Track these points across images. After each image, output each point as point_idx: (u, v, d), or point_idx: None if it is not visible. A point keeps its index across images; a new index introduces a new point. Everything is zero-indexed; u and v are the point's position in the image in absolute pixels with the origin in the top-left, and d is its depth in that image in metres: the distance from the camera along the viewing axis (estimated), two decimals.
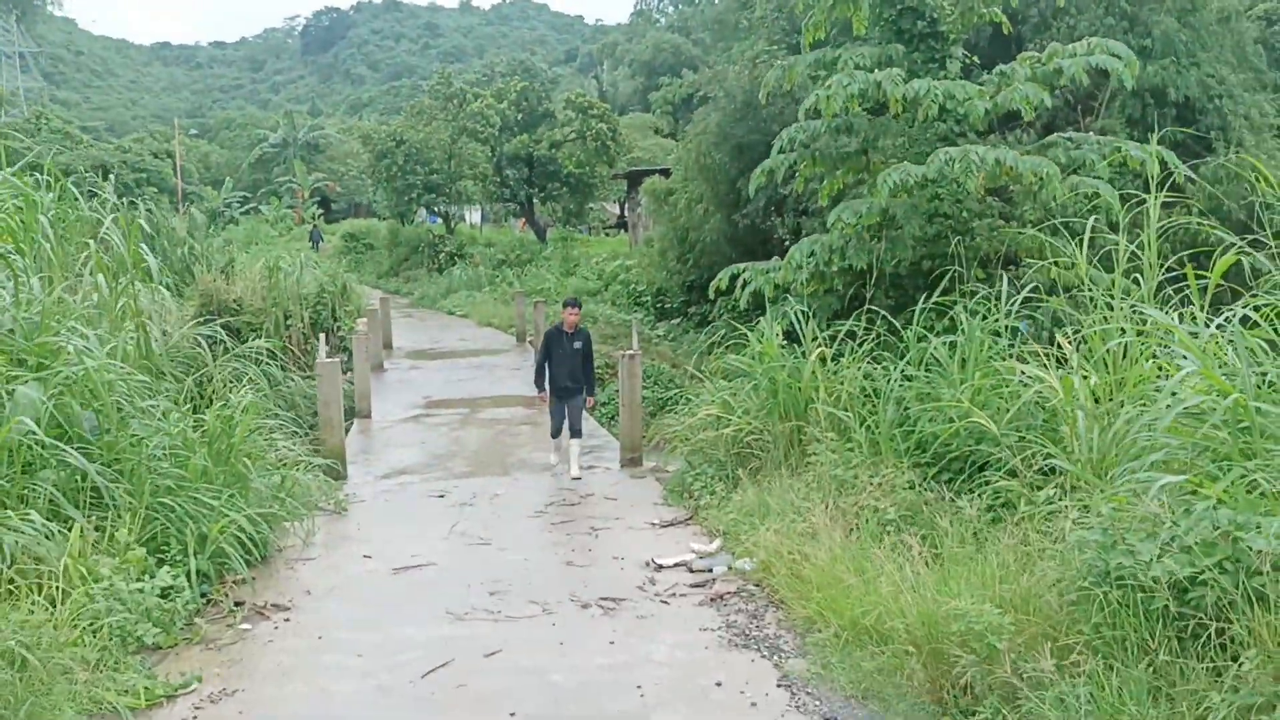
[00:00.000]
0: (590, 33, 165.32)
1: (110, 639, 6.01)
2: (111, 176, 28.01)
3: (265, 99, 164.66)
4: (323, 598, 7.76)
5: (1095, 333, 7.47)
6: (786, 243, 19.50)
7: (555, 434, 12.40)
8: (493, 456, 13.44)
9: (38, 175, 12.04)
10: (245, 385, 11.49)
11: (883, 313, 10.23)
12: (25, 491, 7.02)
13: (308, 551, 8.92)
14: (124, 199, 16.16)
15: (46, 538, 6.39)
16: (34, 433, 6.86)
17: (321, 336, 13.08)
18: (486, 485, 11.62)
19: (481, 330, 28.95)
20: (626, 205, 44.51)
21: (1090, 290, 8.03)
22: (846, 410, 9.23)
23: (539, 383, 12.25)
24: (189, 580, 7.22)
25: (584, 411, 12.25)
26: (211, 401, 11.75)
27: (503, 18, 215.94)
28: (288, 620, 7.20)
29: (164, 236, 18.13)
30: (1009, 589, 5.73)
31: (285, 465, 9.69)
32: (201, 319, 14.09)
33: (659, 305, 25.57)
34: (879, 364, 9.68)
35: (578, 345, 11.79)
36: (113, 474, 7.66)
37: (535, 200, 43.82)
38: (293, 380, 15.54)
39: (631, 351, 12.83)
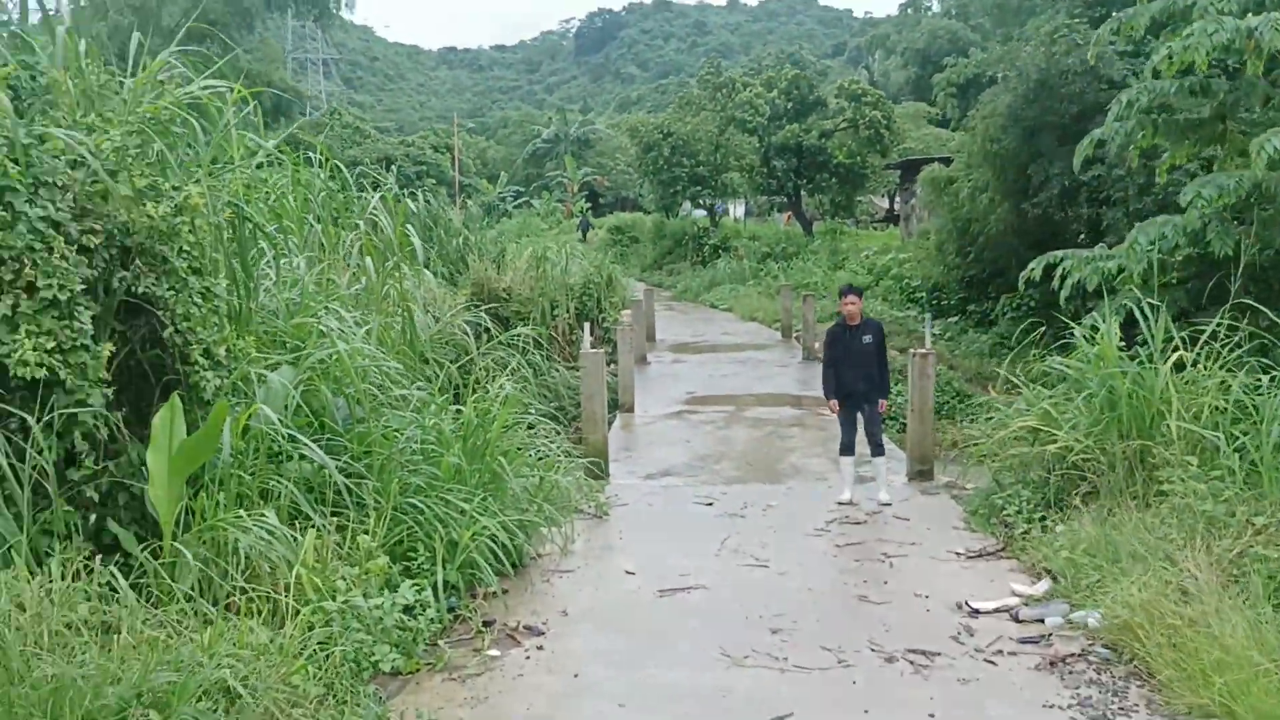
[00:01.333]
0: (859, 26, 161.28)
1: (342, 665, 5.20)
2: (394, 168, 28.70)
3: (540, 99, 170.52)
4: (580, 621, 6.78)
5: None
6: (1082, 235, 17.44)
7: (846, 450, 10.24)
8: (762, 461, 12.26)
9: (311, 154, 11.85)
10: (507, 375, 10.82)
11: (1260, 309, 8.28)
12: (270, 485, 6.42)
13: (566, 562, 8.01)
14: (404, 189, 16.12)
15: (280, 540, 5.69)
16: (277, 423, 6.23)
17: (586, 326, 12.28)
18: (758, 494, 10.44)
19: (745, 324, 27.94)
20: (899, 196, 42.43)
21: None
22: (1211, 428, 7.46)
23: (829, 390, 10.40)
24: (435, 593, 6.41)
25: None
26: (473, 391, 11.22)
27: (770, 14, 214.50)
28: (540, 649, 6.24)
29: (440, 227, 18.13)
30: None
31: (545, 464, 8.84)
32: (469, 307, 13.70)
33: (935, 301, 23.82)
34: (1246, 372, 7.83)
35: (867, 339, 10.02)
36: (360, 469, 6.99)
37: (803, 192, 42.38)
38: (556, 370, 15.05)
39: (924, 350, 11.31)
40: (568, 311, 17.08)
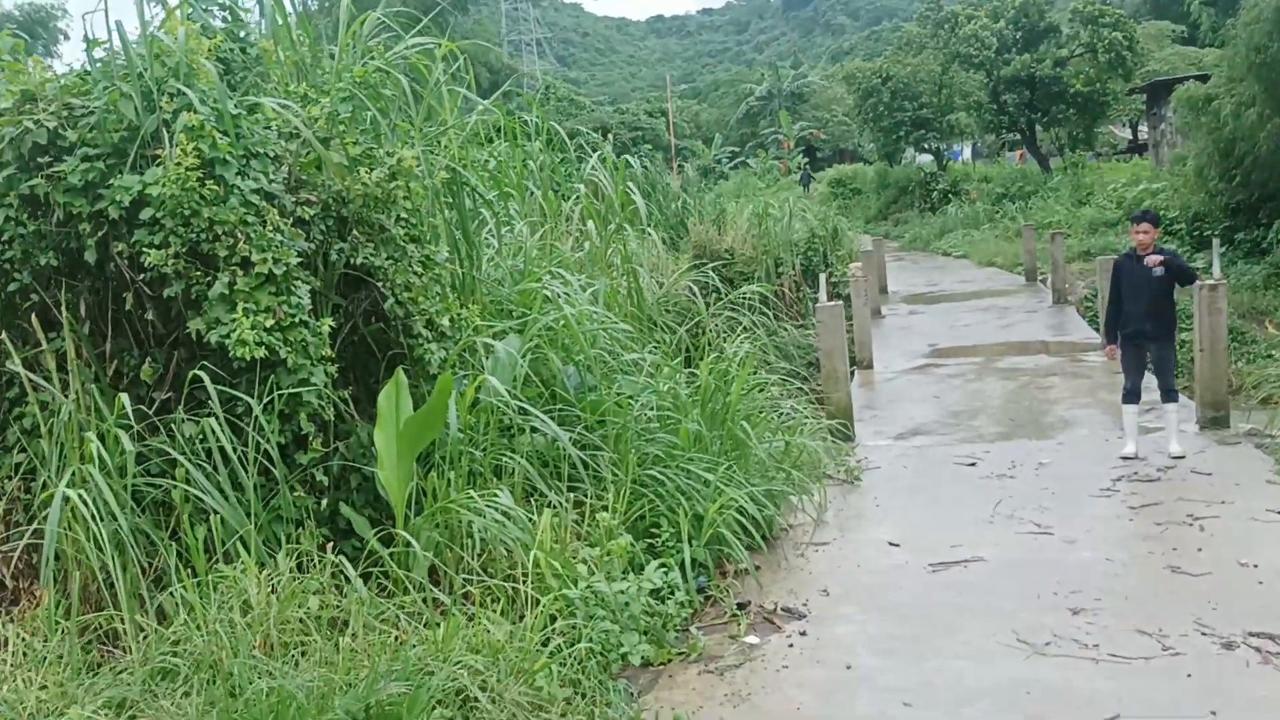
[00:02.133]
0: None
1: (588, 659, 4.69)
2: (610, 136, 28.57)
3: (750, 59, 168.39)
4: (844, 601, 6.05)
5: None
6: None
7: (1129, 397, 8.92)
8: (1024, 414, 11.12)
9: (526, 119, 11.51)
10: (740, 335, 10.18)
11: None
12: (503, 461, 6.00)
13: (819, 534, 7.29)
14: (620, 155, 15.76)
15: (515, 522, 5.23)
16: (505, 395, 5.79)
17: (823, 277, 11.45)
18: (1025, 451, 9.38)
19: (982, 270, 26.31)
20: (1144, 124, 39.08)
21: None
22: None
23: (1110, 332, 9.23)
24: (682, 573, 5.83)
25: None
26: (704, 354, 10.63)
27: None
28: (803, 634, 5.56)
29: (659, 192, 17.77)
30: None
31: (789, 427, 8.14)
32: (692, 269, 13.19)
33: (1194, 233, 21.53)
34: None
35: (1158, 274, 8.70)
36: (594, 440, 6.50)
37: (1037, 127, 39.64)
38: (785, 329, 14.34)
39: (1213, 280, 9.89)
40: (793, 268, 16.38)
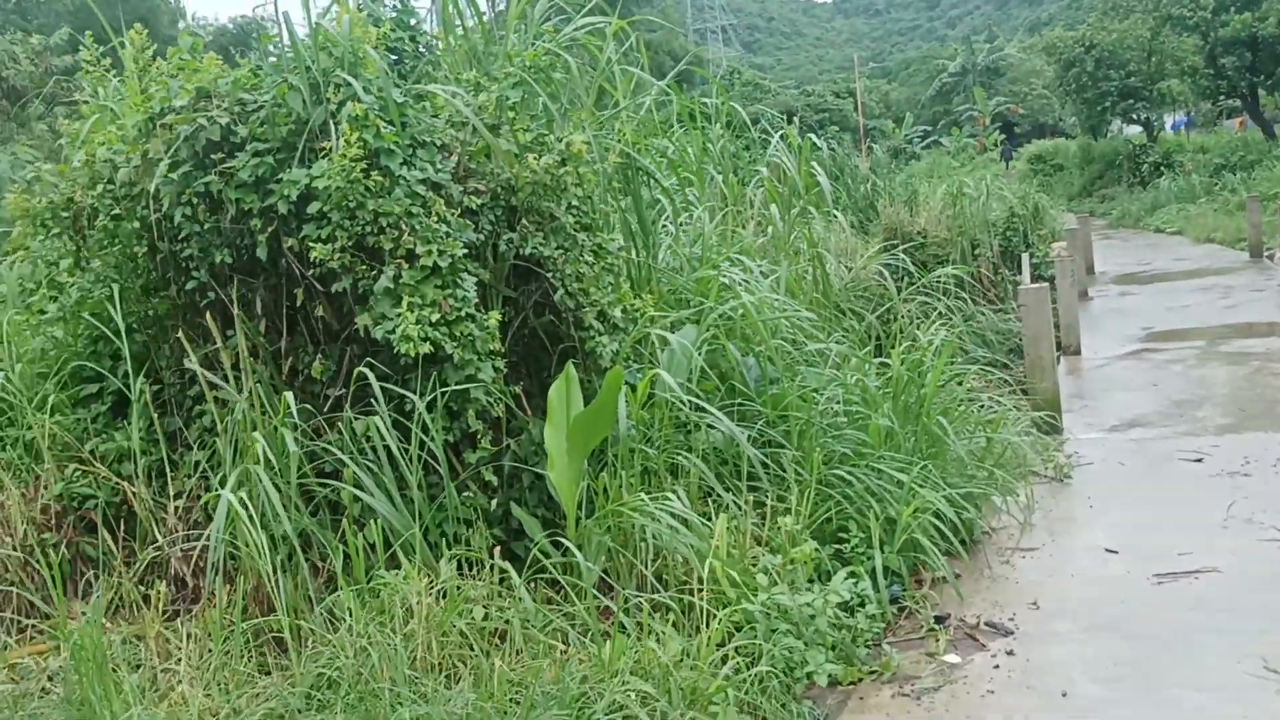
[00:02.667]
0: None
1: (769, 679, 4.30)
2: (795, 119, 27.95)
3: (942, 35, 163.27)
4: (1056, 617, 5.44)
5: None
6: None
7: None
8: (1258, 403, 10.03)
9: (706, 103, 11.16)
10: (935, 321, 9.55)
11: None
12: (679, 460, 5.67)
13: (1026, 538, 6.65)
14: (806, 137, 15.26)
15: (692, 528, 4.88)
16: (678, 390, 5.46)
17: (1025, 257, 10.65)
18: (1261, 445, 8.40)
19: (1199, 247, 24.41)
20: None
21: None
22: None
23: None
24: (873, 582, 5.36)
25: None
26: (896, 342, 10.04)
27: None
28: (1011, 654, 5.01)
29: (847, 175, 17.17)
30: None
31: (990, 422, 7.51)
32: (883, 252, 12.57)
33: None
34: None
35: None
36: (776, 436, 6.09)
37: (1260, 91, 36.61)
38: (983, 314, 13.51)
39: None
40: (990, 250, 15.47)
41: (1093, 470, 8.22)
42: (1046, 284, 11.38)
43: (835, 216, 11.35)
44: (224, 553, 4.38)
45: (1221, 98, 39.30)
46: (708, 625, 4.40)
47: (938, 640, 5.16)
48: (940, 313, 10.44)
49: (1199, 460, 8.18)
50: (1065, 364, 13.02)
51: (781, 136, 10.85)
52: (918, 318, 10.64)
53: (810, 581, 5.10)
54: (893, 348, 7.31)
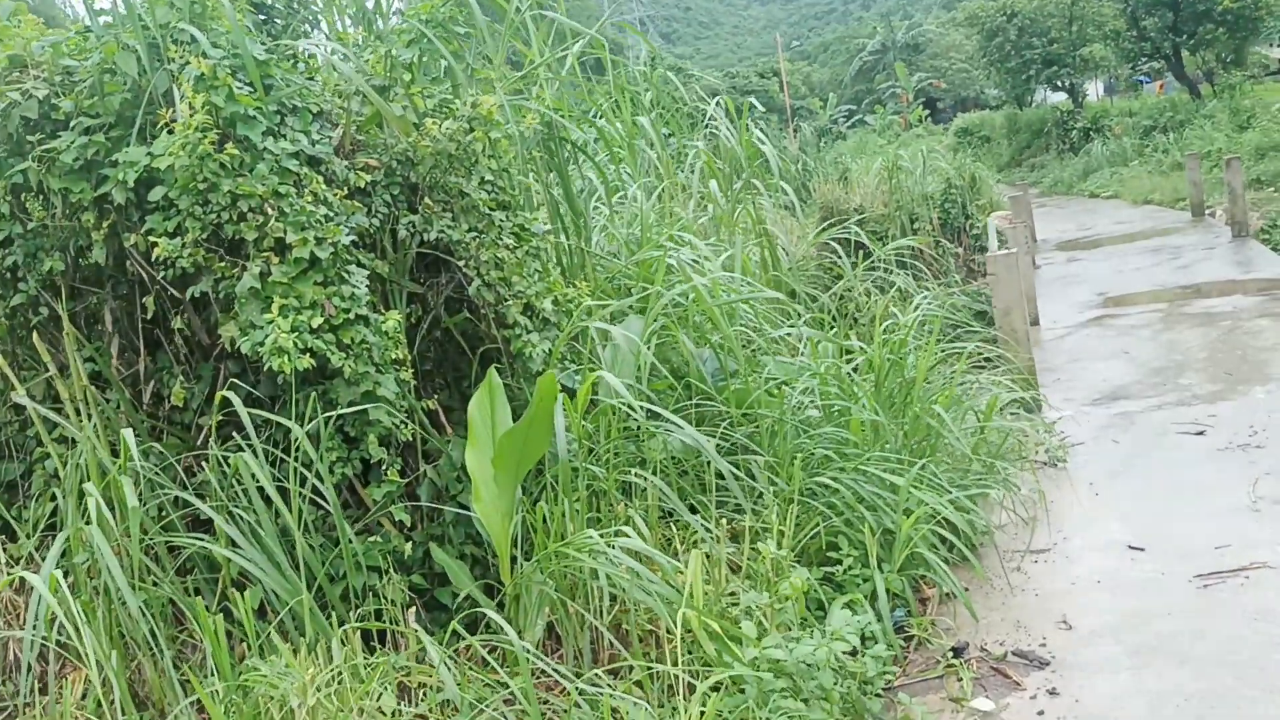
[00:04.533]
0: None
1: None
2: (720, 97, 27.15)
3: (858, 18, 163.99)
4: (1095, 639, 4.54)
5: None
6: None
7: None
8: (1243, 365, 9.32)
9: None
10: (891, 298, 8.72)
11: None
12: (630, 480, 4.69)
13: (1033, 536, 5.79)
14: (745, 102, 14.48)
15: (657, 569, 3.90)
16: (626, 394, 4.48)
17: (990, 222, 9.86)
18: (1266, 411, 7.66)
19: (1139, 209, 24.06)
20: None
21: None
22: None
23: None
24: (873, 608, 4.44)
25: None
26: (853, 324, 9.16)
27: None
28: (1053, 693, 4.08)
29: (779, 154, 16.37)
30: None
31: (977, 407, 6.64)
32: (826, 229, 11.79)
33: None
34: None
35: None
36: (742, 439, 5.14)
37: (1183, 51, 36.56)
38: (927, 288, 12.79)
39: None
40: (930, 224, 14.78)
41: (1085, 451, 7.41)
42: (1014, 251, 10.58)
43: (784, 189, 10.45)
44: (31, 657, 3.32)
45: (1145, 60, 39.24)
46: (684, 695, 3.43)
47: (960, 679, 4.24)
48: (900, 289, 9.60)
49: (1200, 433, 7.42)
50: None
51: (718, 103, 9.90)
52: (873, 295, 9.85)
53: (803, 620, 4.15)
54: (850, 329, 6.40)
